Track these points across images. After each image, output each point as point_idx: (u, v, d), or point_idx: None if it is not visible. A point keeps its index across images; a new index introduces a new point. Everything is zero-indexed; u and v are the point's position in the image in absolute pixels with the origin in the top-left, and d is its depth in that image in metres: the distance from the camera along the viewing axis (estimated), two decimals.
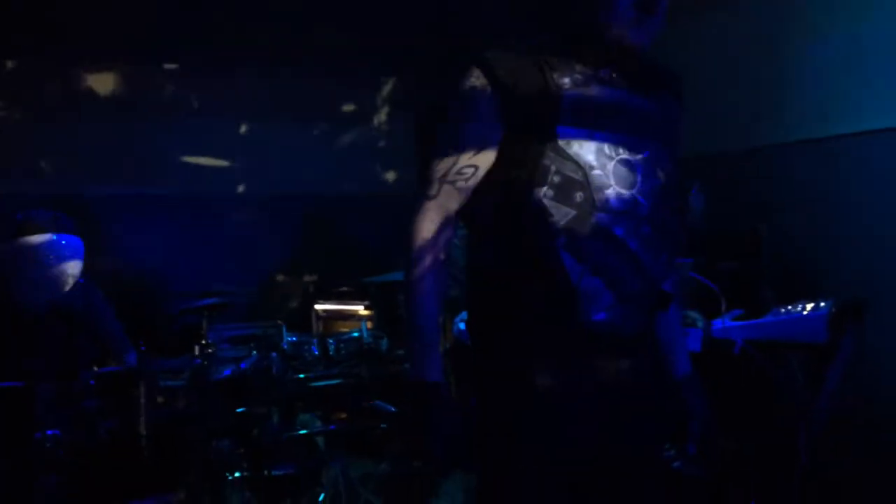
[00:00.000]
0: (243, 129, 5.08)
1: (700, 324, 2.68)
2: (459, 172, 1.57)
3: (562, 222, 1.50)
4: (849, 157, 3.34)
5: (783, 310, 2.75)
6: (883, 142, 3.19)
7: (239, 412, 2.81)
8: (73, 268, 2.61)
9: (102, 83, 4.74)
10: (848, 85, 3.36)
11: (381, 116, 5.46)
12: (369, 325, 3.61)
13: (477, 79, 1.56)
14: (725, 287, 2.90)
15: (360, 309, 4.20)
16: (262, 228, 5.08)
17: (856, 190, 3.31)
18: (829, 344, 2.60)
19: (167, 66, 4.88)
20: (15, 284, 2.59)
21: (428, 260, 1.56)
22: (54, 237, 2.60)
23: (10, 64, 4.46)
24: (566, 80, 1.53)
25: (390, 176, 5.39)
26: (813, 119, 3.49)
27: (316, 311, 4.30)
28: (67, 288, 2.59)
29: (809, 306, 2.69)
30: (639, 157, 1.57)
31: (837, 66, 3.40)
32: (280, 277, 5.10)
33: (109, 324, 2.81)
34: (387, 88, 5.49)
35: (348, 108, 5.40)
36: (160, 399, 2.58)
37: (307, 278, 5.04)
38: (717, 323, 2.72)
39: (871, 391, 3.10)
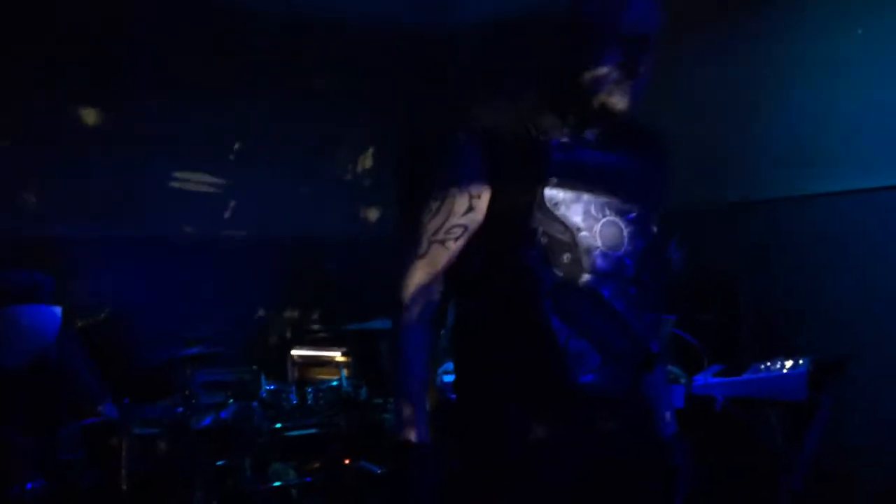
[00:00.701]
0: (223, 170, 5.06)
1: (682, 380, 2.69)
2: (448, 231, 1.58)
3: (549, 284, 1.51)
4: (827, 214, 3.41)
5: (763, 366, 2.78)
6: (861, 201, 3.26)
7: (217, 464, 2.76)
8: (51, 336, 2.56)
9: (86, 120, 4.72)
10: (825, 144, 3.44)
11: (364, 160, 5.48)
12: (347, 372, 3.57)
13: (466, 139, 1.58)
14: (705, 341, 2.92)
15: (337, 355, 4.16)
16: (239, 271, 5.04)
17: (833, 247, 3.37)
18: (809, 401, 2.62)
19: (149, 106, 4.88)
20: None
21: (415, 319, 1.56)
22: (32, 308, 2.53)
23: None
24: (554, 142, 1.55)
25: (371, 220, 5.40)
26: (791, 177, 3.56)
27: (292, 356, 4.25)
28: (45, 350, 2.54)
29: (789, 363, 2.72)
30: (625, 218, 1.59)
31: (815, 125, 3.49)
32: (256, 321, 5.05)
33: (87, 375, 2.77)
34: (371, 132, 5.52)
35: (330, 150, 5.42)
36: (140, 449, 2.53)
37: (285, 322, 5.00)
38: (699, 379, 2.73)
39: (849, 448, 3.12)
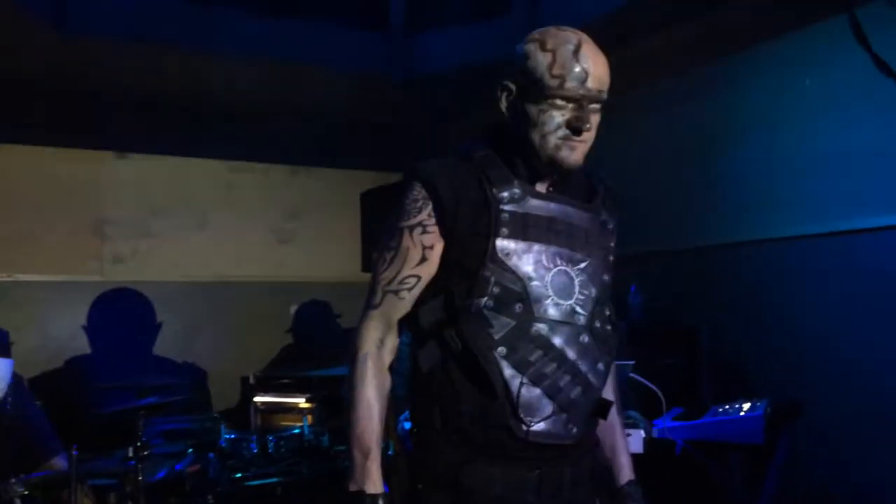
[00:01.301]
0: (187, 215, 5.05)
1: (641, 425, 2.71)
2: (402, 282, 1.60)
3: (501, 332, 1.53)
4: (784, 258, 3.49)
5: (721, 409, 2.81)
6: (817, 246, 3.34)
7: None
8: (3, 389, 2.50)
9: (38, 161, 4.69)
10: (779, 190, 3.53)
11: (327, 206, 5.49)
12: (310, 419, 3.53)
13: (419, 192, 1.61)
14: (665, 385, 2.95)
15: (301, 402, 4.12)
16: (201, 316, 5.00)
17: (793, 292, 3.44)
18: (767, 444, 2.65)
19: (107, 151, 4.87)
20: None
21: (371, 370, 1.58)
22: None
23: None
24: (505, 195, 1.59)
25: (338, 266, 5.39)
26: (747, 222, 3.64)
27: (255, 403, 4.20)
28: None
29: (746, 406, 2.75)
30: (576, 268, 1.62)
31: (770, 171, 3.58)
32: (220, 367, 5.00)
33: (39, 426, 2.70)
34: (336, 178, 5.55)
35: (291, 195, 5.43)
36: (91, 502, 2.47)
37: (248, 368, 4.94)
38: (659, 423, 2.76)
39: (808, 490, 3.14)
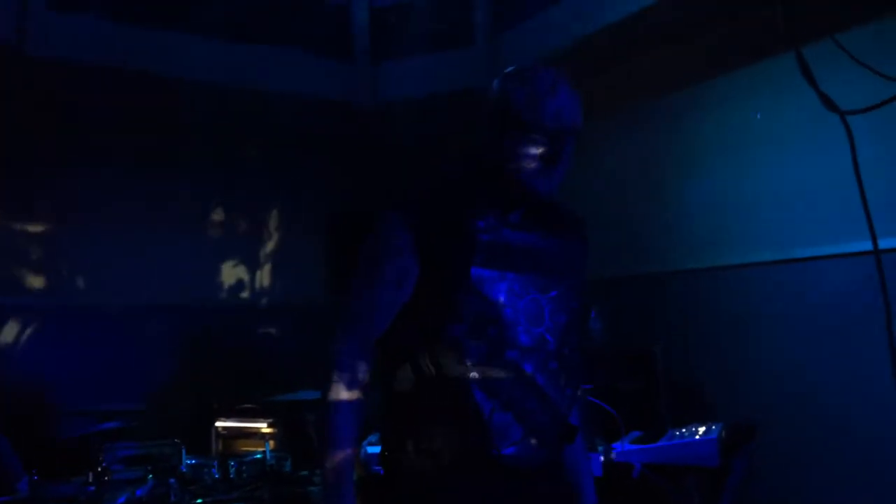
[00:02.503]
0: (148, 240, 5.01)
1: (601, 448, 2.76)
2: (376, 307, 1.64)
3: (474, 358, 1.58)
4: (739, 285, 3.60)
5: (678, 433, 2.88)
6: (772, 273, 3.46)
7: None
8: None
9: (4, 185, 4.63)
10: (735, 219, 3.66)
11: (292, 231, 5.50)
12: (272, 444, 3.52)
13: (396, 219, 1.65)
14: (624, 408, 3.01)
15: (263, 426, 4.10)
16: (162, 341, 4.95)
17: (748, 317, 3.55)
18: (721, 467, 2.73)
19: (76, 172, 4.82)
20: None
21: (345, 394, 1.61)
22: None
23: None
24: (481, 224, 1.64)
25: (300, 290, 5.39)
26: (706, 250, 3.76)
27: (216, 428, 4.17)
28: None
29: (702, 430, 2.83)
30: (547, 296, 1.68)
31: (725, 200, 3.71)
32: (180, 392, 4.94)
33: (2, 452, 2.65)
34: (299, 203, 5.55)
35: (258, 220, 5.43)
36: None
37: (209, 393, 4.89)
38: (617, 446, 2.81)
39: None
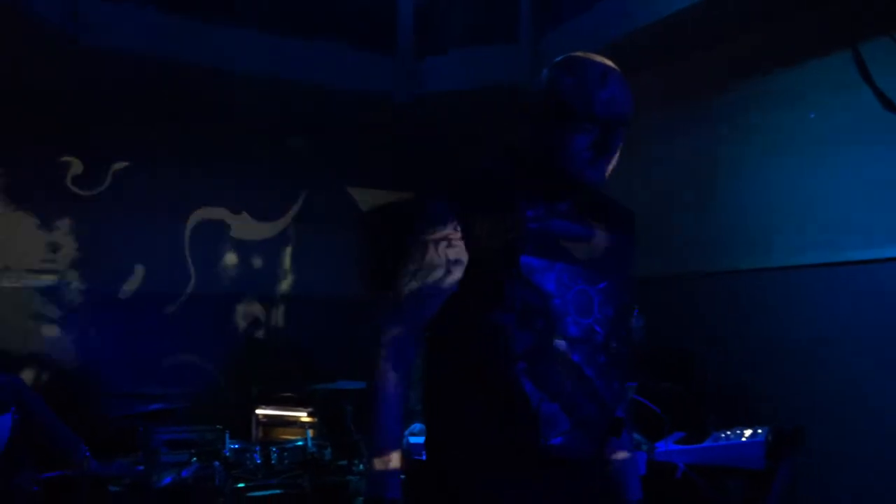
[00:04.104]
0: (193, 229, 5.09)
1: (644, 447, 2.74)
2: (425, 295, 1.63)
3: (522, 348, 1.57)
4: (788, 287, 3.53)
5: (723, 435, 2.84)
6: (821, 275, 3.39)
7: None
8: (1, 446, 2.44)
9: (54, 174, 4.73)
10: (784, 219, 3.59)
11: (333, 223, 5.53)
12: (312, 433, 3.55)
13: (444, 206, 1.64)
14: (667, 409, 2.98)
15: (303, 415, 4.14)
16: (205, 330, 5.02)
17: (793, 319, 3.49)
18: (767, 470, 2.68)
19: (127, 161, 4.91)
20: None
21: (391, 380, 1.60)
22: None
23: None
24: (530, 213, 1.62)
25: (341, 281, 5.42)
26: (751, 251, 3.70)
27: (257, 416, 4.22)
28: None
29: (748, 432, 2.79)
30: (596, 287, 1.66)
31: (774, 200, 3.64)
32: (223, 379, 5.01)
33: (50, 423, 2.70)
34: (340, 195, 5.59)
35: (301, 211, 5.47)
36: None
37: (250, 381, 4.96)
38: (661, 446, 2.78)
39: None
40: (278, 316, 5.27)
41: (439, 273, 1.63)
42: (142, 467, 2.63)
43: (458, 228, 1.62)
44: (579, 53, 1.69)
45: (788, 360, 3.46)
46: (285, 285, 5.35)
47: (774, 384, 3.47)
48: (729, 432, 2.88)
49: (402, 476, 1.63)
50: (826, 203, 3.41)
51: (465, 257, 1.63)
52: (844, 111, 3.34)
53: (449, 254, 1.63)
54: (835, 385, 3.26)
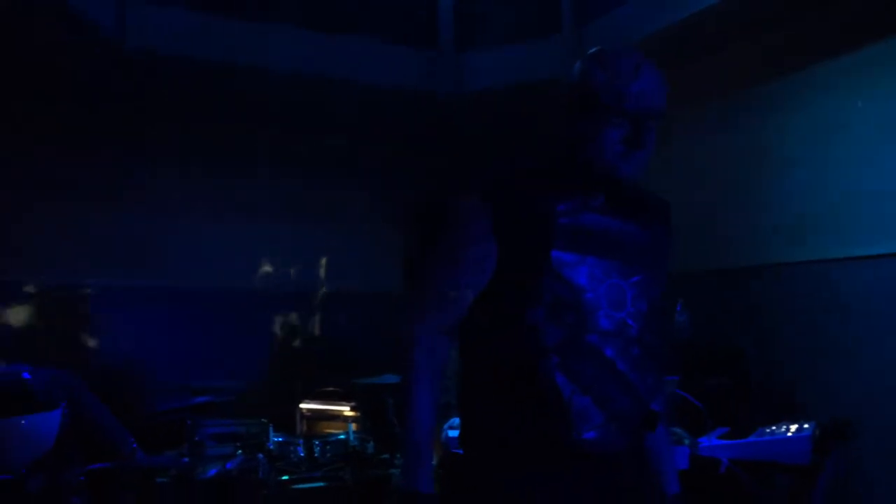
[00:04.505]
0: (238, 226, 5.17)
1: (687, 441, 2.71)
2: (456, 290, 1.64)
3: (554, 342, 1.56)
4: (832, 280, 3.46)
5: (768, 430, 2.80)
6: (867, 267, 3.31)
7: None
8: (49, 441, 2.48)
9: (103, 174, 4.85)
10: (829, 211, 3.51)
11: (376, 220, 5.57)
12: (355, 426, 3.59)
13: (475, 201, 1.64)
14: (710, 404, 2.95)
15: (346, 410, 4.19)
16: (250, 325, 5.11)
17: (839, 312, 3.41)
18: (813, 465, 2.63)
19: (169, 161, 5.02)
20: None
21: (424, 375, 1.62)
22: (23, 421, 2.44)
23: (9, 150, 4.54)
24: (561, 207, 1.62)
25: (382, 276, 5.46)
26: (797, 243, 3.62)
27: (301, 410, 4.28)
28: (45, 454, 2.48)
29: (794, 427, 2.74)
30: (629, 281, 1.65)
31: (818, 192, 3.56)
32: (267, 374, 5.09)
33: (100, 417, 2.78)
34: (381, 191, 5.63)
35: (341, 207, 5.52)
36: (146, 497, 2.55)
37: (294, 376, 5.03)
38: (704, 441, 2.75)
39: None
40: (321, 312, 5.33)
41: (469, 269, 1.64)
42: (187, 459, 2.69)
43: (489, 225, 1.62)
44: (611, 46, 1.67)
45: (837, 353, 3.38)
46: (328, 281, 5.41)
47: (822, 378, 3.40)
48: (775, 427, 2.84)
49: (438, 470, 1.65)
50: (875, 194, 3.32)
51: (495, 253, 1.63)
52: (889, 101, 3.25)
53: (479, 250, 1.63)
54: (884, 379, 3.18)
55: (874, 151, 3.35)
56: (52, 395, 2.54)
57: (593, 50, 1.68)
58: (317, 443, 3.39)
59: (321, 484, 3.27)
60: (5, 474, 2.26)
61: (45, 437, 2.48)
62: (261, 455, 3.09)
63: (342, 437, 3.47)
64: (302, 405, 4.29)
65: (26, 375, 2.58)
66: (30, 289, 4.53)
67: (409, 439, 1.59)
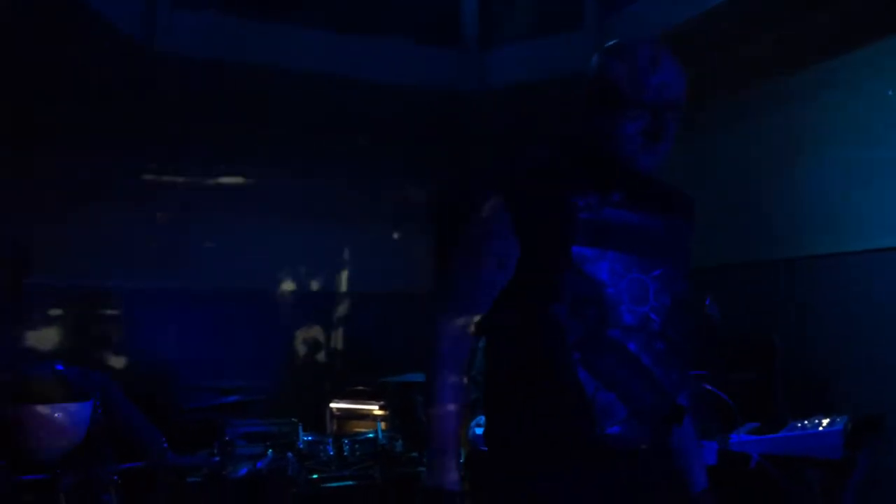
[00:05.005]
0: (265, 227, 5.22)
1: (716, 437, 2.68)
2: (478, 287, 1.65)
3: (577, 337, 1.56)
4: (864, 272, 3.41)
5: (799, 424, 2.76)
6: None
7: None
8: (82, 432, 2.54)
9: (131, 177, 4.92)
10: (861, 203, 3.46)
11: (402, 219, 5.59)
12: (384, 425, 3.61)
13: (496, 198, 1.65)
14: (741, 399, 2.92)
15: (375, 409, 4.21)
16: (280, 325, 5.16)
17: (870, 305, 3.36)
18: (845, 460, 2.60)
19: (196, 163, 5.08)
20: (21, 441, 2.50)
21: (448, 371, 1.62)
22: (58, 409, 2.49)
23: (37, 154, 4.61)
24: (581, 203, 1.61)
25: (409, 276, 5.47)
26: (828, 235, 3.57)
27: (331, 409, 4.31)
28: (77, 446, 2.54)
29: (825, 422, 2.70)
30: (651, 275, 1.64)
31: (850, 184, 3.51)
32: (297, 374, 5.14)
33: (131, 416, 2.82)
34: (406, 190, 5.64)
35: (366, 207, 5.54)
36: (177, 496, 2.59)
37: (324, 376, 5.07)
38: (734, 436, 2.72)
39: None
40: (348, 312, 5.36)
41: (491, 266, 1.64)
42: (218, 458, 2.73)
43: (510, 221, 1.63)
44: (630, 39, 1.67)
45: (868, 346, 3.33)
46: (355, 282, 5.43)
47: (855, 372, 3.35)
48: (806, 422, 2.80)
49: (465, 468, 1.65)
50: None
51: (516, 250, 1.63)
52: None
53: (500, 247, 1.64)
54: None
55: None
56: (83, 388, 2.59)
57: (611, 43, 1.67)
58: (346, 441, 3.41)
59: (351, 482, 3.29)
60: (41, 473, 2.31)
61: (78, 427, 2.54)
62: (290, 454, 3.12)
63: (371, 435, 3.49)
64: (332, 404, 4.32)
65: (59, 367, 2.65)
66: (62, 292, 4.61)
67: (433, 436, 1.59)
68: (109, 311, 4.74)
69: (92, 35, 3.90)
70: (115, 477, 2.34)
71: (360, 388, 4.42)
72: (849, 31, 3.51)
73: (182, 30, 4.07)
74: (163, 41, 4.02)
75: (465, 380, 1.66)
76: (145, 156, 4.91)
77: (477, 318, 1.66)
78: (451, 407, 1.61)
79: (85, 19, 3.72)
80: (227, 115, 4.94)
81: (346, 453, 3.36)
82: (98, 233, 4.70)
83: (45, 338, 4.53)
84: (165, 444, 2.56)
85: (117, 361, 4.66)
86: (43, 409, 2.47)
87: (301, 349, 5.21)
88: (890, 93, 3.35)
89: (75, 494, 2.31)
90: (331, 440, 3.39)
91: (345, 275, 5.42)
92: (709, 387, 2.79)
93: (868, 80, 3.44)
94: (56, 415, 2.49)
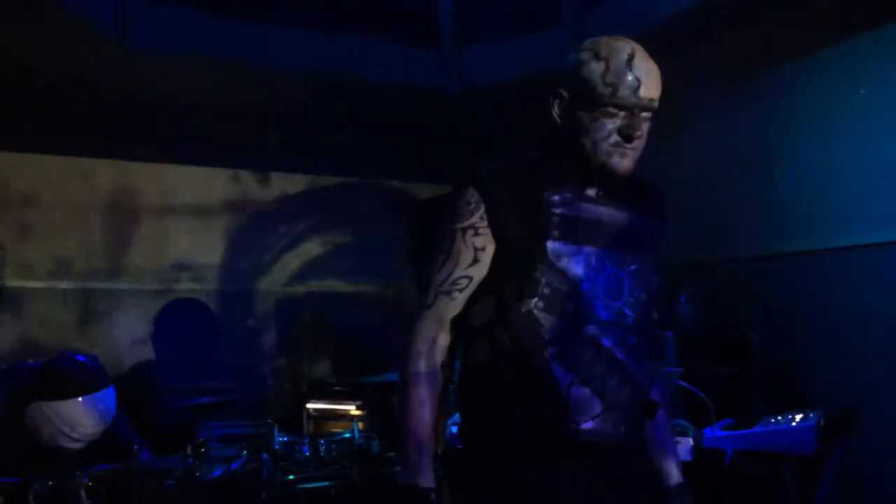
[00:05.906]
0: (242, 226, 5.18)
1: (690, 433, 2.70)
2: (454, 283, 1.64)
3: (552, 333, 1.56)
4: (838, 269, 3.44)
5: (773, 420, 2.79)
6: (871, 255, 3.29)
7: None
8: (111, 417, 2.59)
9: (109, 177, 4.87)
10: (834, 199, 3.49)
11: (383, 218, 5.57)
12: (361, 425, 3.59)
13: (472, 194, 1.65)
14: (716, 394, 2.93)
15: (352, 409, 4.19)
16: (256, 325, 5.12)
17: (844, 301, 3.39)
18: (818, 455, 2.62)
19: (172, 162, 5.03)
20: (39, 437, 2.54)
21: (423, 367, 1.62)
22: (97, 396, 2.56)
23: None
24: (556, 198, 1.62)
25: (388, 275, 5.46)
26: (802, 232, 3.61)
27: (308, 409, 4.28)
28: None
29: (798, 417, 2.72)
30: (625, 270, 1.65)
31: (824, 180, 3.55)
32: (273, 374, 5.10)
33: (123, 430, 2.79)
34: (383, 187, 5.63)
35: (344, 204, 5.52)
36: (150, 499, 2.56)
37: (301, 376, 5.04)
38: (708, 432, 2.74)
39: (860, 501, 3.09)
40: (327, 311, 5.33)
41: (467, 261, 1.64)
42: (191, 460, 2.69)
43: (485, 217, 1.63)
44: (606, 37, 1.67)
45: (841, 342, 3.37)
46: (333, 281, 5.41)
47: (830, 369, 3.39)
48: (780, 417, 2.82)
49: (439, 465, 1.65)
50: (877, 182, 3.30)
51: (492, 245, 1.64)
52: (893, 87, 3.23)
53: (476, 242, 1.64)
54: (889, 367, 3.16)
55: (873, 140, 3.33)
56: (106, 373, 2.66)
57: (587, 41, 1.67)
58: (322, 442, 3.38)
59: (327, 483, 3.26)
60: (11, 477, 2.28)
61: (112, 412, 2.62)
62: (265, 455, 3.09)
63: (347, 435, 3.46)
64: (309, 405, 4.29)
65: (81, 358, 2.68)
66: (43, 291, 4.55)
67: (407, 432, 1.59)
68: (85, 312, 4.68)
69: (63, 29, 3.83)
70: (86, 479, 2.31)
71: (338, 388, 4.40)
72: (821, 30, 3.55)
73: (159, 27, 4.02)
74: (136, 38, 3.97)
75: (440, 375, 1.66)
76: (122, 154, 4.85)
77: (453, 313, 1.66)
78: (426, 401, 1.60)
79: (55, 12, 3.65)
80: (205, 113, 4.89)
81: (322, 454, 3.32)
82: (73, 234, 4.65)
83: (21, 338, 4.49)
84: (138, 446, 2.54)
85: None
86: (89, 399, 2.53)
87: (278, 349, 5.17)
88: (863, 91, 3.38)
89: (47, 498, 2.28)
90: (307, 441, 3.36)
91: (322, 274, 5.39)
92: (683, 383, 2.80)
93: (839, 79, 3.48)
94: (98, 405, 2.56)
